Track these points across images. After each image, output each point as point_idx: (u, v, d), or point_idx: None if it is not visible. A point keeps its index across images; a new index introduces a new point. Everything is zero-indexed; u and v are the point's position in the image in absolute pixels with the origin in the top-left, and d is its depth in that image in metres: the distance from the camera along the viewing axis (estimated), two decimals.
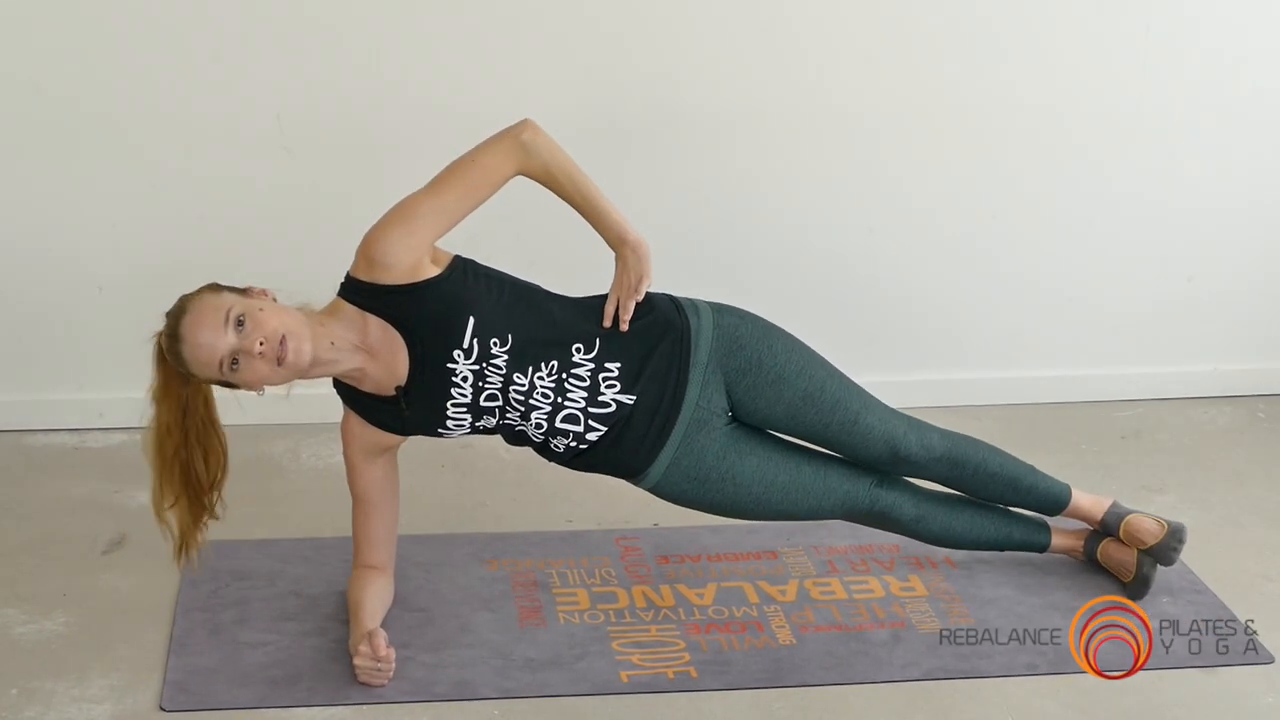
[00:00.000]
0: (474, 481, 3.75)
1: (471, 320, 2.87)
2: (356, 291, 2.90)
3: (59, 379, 4.01)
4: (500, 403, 2.93)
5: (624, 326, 2.97)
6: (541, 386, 2.92)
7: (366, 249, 2.88)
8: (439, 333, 2.87)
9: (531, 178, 2.93)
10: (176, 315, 2.82)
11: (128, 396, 3.80)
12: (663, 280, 3.79)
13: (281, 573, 3.29)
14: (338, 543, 3.37)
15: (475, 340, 2.87)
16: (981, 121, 4.09)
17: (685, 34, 3.94)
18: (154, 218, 3.91)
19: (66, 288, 3.94)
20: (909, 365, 4.25)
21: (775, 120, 4.02)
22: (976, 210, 4.17)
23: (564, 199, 2.95)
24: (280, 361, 2.77)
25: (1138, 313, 4.32)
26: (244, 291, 2.85)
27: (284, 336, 2.77)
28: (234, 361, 2.77)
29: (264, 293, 2.87)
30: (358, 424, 2.99)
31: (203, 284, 2.87)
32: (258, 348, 2.76)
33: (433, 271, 2.89)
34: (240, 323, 2.76)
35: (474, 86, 3.90)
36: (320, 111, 3.88)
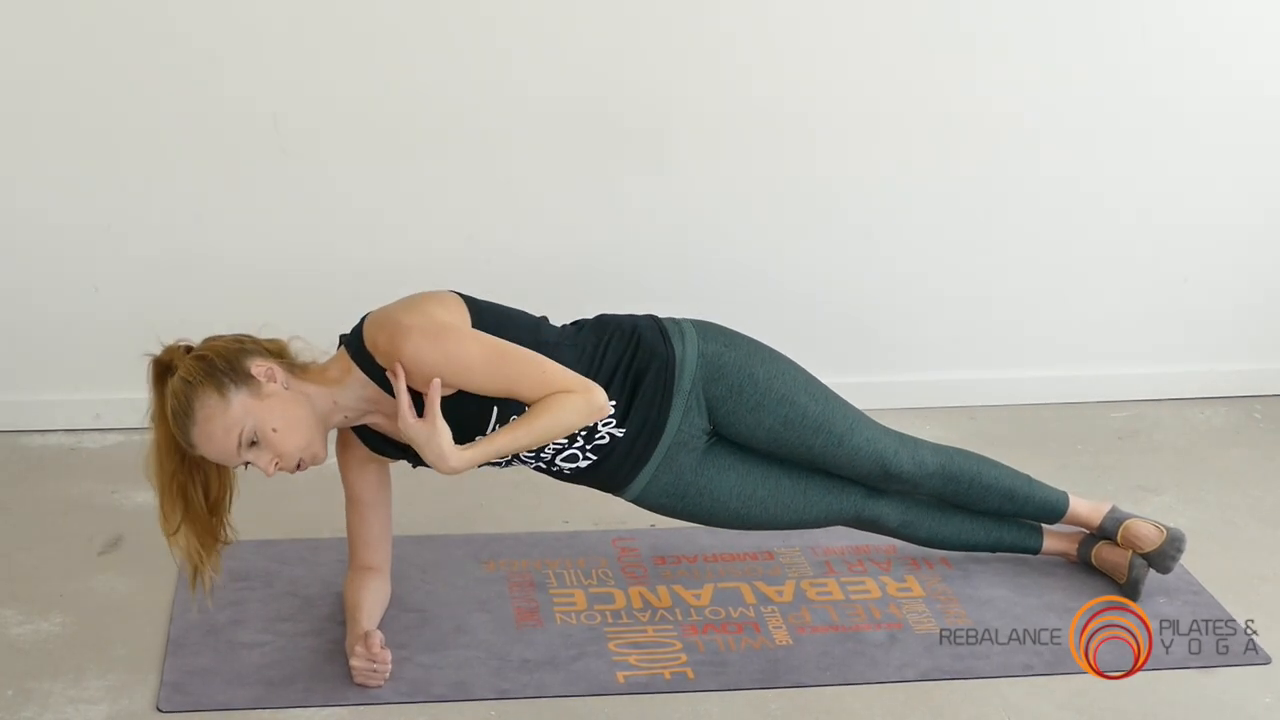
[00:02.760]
0: (471, 482, 3.73)
1: (495, 410, 2.86)
2: (376, 374, 2.82)
3: (55, 380, 4.00)
4: (510, 457, 2.95)
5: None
6: (554, 444, 2.94)
7: (396, 350, 2.76)
8: (463, 424, 2.84)
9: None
10: (183, 414, 2.73)
11: (124, 397, 3.81)
12: (660, 279, 3.79)
13: (278, 573, 3.29)
14: (334, 543, 3.37)
15: (498, 424, 2.87)
16: (978, 123, 4.09)
17: (682, 36, 3.94)
18: (150, 218, 3.90)
19: (63, 288, 3.93)
20: (905, 367, 4.25)
21: (771, 123, 4.01)
22: (972, 212, 4.17)
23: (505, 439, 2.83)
24: (294, 470, 2.82)
25: (1134, 313, 4.32)
26: (248, 379, 2.74)
27: (299, 462, 2.79)
28: (247, 463, 2.81)
29: (271, 372, 2.77)
30: (354, 434, 2.99)
31: (196, 350, 2.78)
32: (273, 469, 2.79)
33: None
34: (254, 442, 2.76)
35: (474, 86, 3.90)
36: (317, 112, 3.87)
